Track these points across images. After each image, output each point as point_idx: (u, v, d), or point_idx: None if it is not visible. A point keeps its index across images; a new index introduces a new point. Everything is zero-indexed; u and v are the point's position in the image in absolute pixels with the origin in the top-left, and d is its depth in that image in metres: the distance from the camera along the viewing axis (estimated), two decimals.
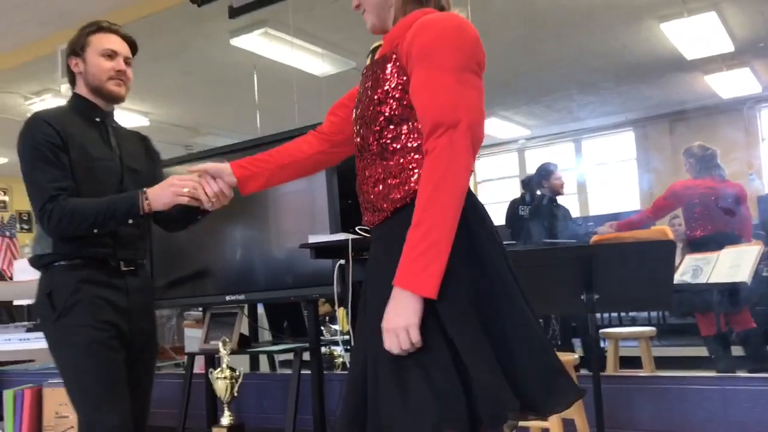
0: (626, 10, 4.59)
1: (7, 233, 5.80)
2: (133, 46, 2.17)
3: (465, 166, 1.26)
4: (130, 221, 1.97)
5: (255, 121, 4.67)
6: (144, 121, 6.63)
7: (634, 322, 5.08)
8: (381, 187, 1.39)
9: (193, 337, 4.44)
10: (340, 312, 4.04)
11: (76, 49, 2.10)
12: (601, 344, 3.68)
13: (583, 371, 2.98)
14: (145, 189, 1.93)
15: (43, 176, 1.93)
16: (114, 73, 2.08)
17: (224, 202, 1.83)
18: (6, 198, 6.40)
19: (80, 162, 1.99)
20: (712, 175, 3.91)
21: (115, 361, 1.98)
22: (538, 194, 4.73)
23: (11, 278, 5.44)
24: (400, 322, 1.24)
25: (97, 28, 2.11)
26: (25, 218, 6.31)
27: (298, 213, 2.99)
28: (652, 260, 1.96)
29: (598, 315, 3.73)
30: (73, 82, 2.13)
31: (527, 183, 4.86)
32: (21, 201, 6.42)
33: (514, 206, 4.87)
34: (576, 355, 2.46)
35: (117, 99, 2.12)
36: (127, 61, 2.13)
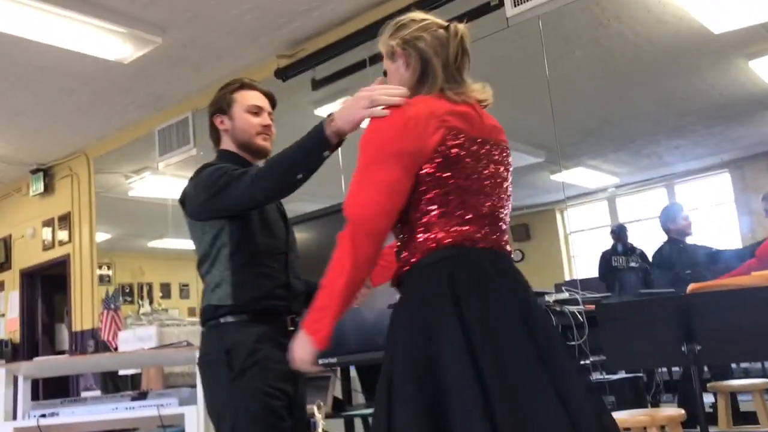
0: (711, 50, 4.48)
1: (112, 306, 6.07)
2: (273, 101, 2.21)
3: (348, 255, 1.51)
4: (326, 153, 1.76)
5: (340, 183, 4.77)
6: None
7: (746, 374, 4.77)
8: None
9: None
10: None
11: (222, 106, 2.14)
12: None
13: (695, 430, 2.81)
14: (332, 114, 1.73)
15: (205, 181, 1.93)
16: (261, 128, 2.12)
17: (364, 300, 1.89)
18: (110, 272, 6.72)
19: (255, 213, 2.01)
20: None
21: (285, 430, 1.91)
22: (666, 240, 4.54)
23: (116, 349, 5.67)
24: (298, 355, 1.57)
25: (240, 85, 2.16)
26: (127, 291, 6.59)
27: None
28: (756, 308, 1.85)
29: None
30: (217, 141, 2.18)
31: (617, 232, 4.72)
32: (123, 275, 6.73)
33: (606, 257, 4.73)
34: (681, 411, 2.33)
35: (264, 153, 2.13)
36: (270, 116, 2.17)
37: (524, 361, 1.41)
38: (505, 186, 1.68)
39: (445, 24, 1.68)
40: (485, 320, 1.43)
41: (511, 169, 1.72)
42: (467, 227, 1.54)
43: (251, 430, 1.83)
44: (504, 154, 1.68)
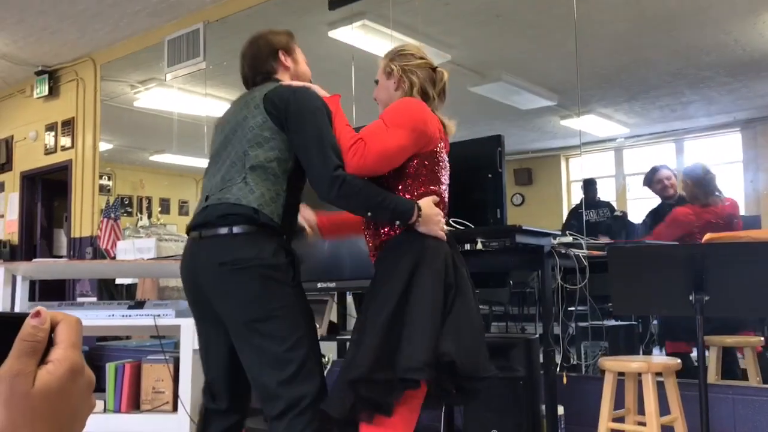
0: (742, 2, 4.36)
1: (112, 215, 6.06)
2: None
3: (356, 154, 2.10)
4: (397, 223, 2.03)
5: (351, 112, 4.70)
6: None
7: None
8: None
9: None
10: None
11: (287, 48, 2.32)
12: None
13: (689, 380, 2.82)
14: (420, 204, 2.03)
15: (333, 141, 2.04)
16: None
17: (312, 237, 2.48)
18: (110, 183, 6.69)
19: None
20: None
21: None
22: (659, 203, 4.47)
23: (114, 258, 5.70)
24: None
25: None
26: (126, 203, 6.57)
27: None
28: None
29: None
30: (269, 71, 2.28)
31: (587, 186, 4.70)
32: (123, 186, 6.70)
33: (576, 211, 4.73)
34: (678, 360, 2.35)
35: None
36: None
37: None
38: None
39: (434, 66, 2.24)
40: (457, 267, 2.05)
41: None
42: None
43: (308, 329, 2.02)
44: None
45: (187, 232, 2.15)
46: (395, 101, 2.14)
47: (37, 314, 0.50)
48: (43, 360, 0.49)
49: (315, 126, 2.02)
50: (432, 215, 2.04)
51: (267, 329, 1.95)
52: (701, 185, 3.84)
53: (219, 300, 2.01)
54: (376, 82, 2.29)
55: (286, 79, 2.25)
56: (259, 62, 2.28)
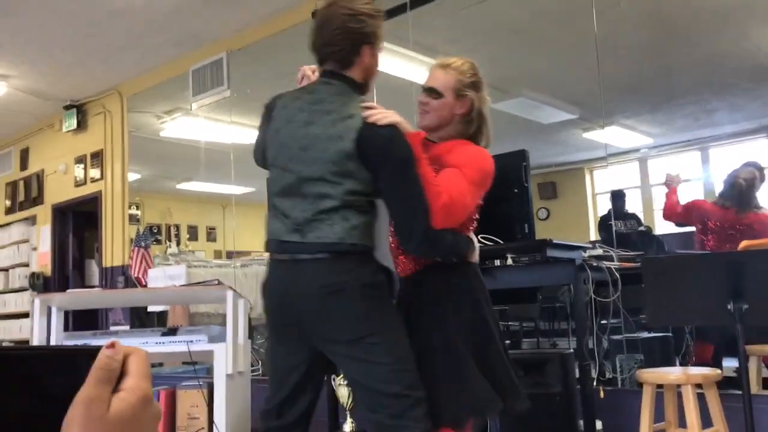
0: (762, 8, 4.33)
1: (143, 244, 6.14)
2: None
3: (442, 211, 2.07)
4: (455, 260, 2.09)
5: None
6: None
7: None
8: None
9: None
10: None
11: (374, 42, 2.02)
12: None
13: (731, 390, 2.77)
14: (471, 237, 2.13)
15: (423, 197, 1.94)
16: None
17: None
18: (139, 212, 6.78)
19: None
20: None
21: None
22: None
23: (146, 286, 5.76)
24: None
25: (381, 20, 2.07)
26: (155, 231, 6.65)
27: None
28: None
29: None
30: (346, 63, 2.03)
31: (614, 198, 4.70)
32: (151, 215, 6.79)
33: (605, 222, 4.74)
34: (718, 371, 2.32)
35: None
36: None
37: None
38: None
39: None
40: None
41: None
42: None
43: (401, 345, 1.99)
44: None
45: (267, 251, 2.10)
46: (476, 154, 2.10)
47: (112, 346, 0.53)
48: (116, 389, 0.52)
49: (406, 182, 1.95)
50: (476, 245, 2.17)
51: (374, 342, 1.94)
52: (728, 186, 3.80)
53: (319, 322, 1.98)
54: (433, 90, 2.12)
55: (357, 75, 2.03)
56: (337, 48, 2.01)
